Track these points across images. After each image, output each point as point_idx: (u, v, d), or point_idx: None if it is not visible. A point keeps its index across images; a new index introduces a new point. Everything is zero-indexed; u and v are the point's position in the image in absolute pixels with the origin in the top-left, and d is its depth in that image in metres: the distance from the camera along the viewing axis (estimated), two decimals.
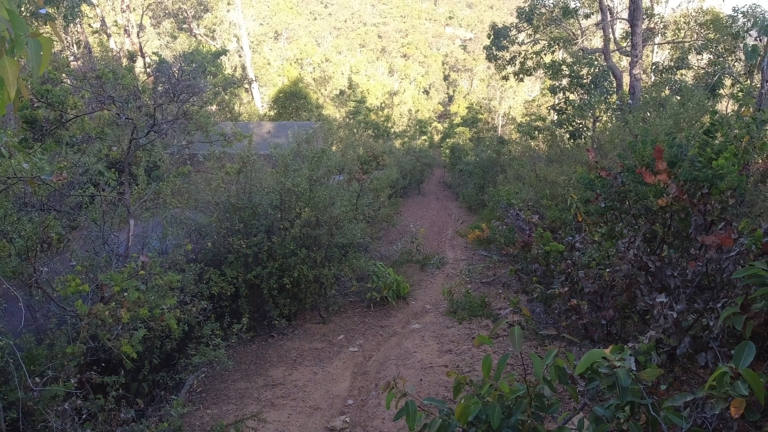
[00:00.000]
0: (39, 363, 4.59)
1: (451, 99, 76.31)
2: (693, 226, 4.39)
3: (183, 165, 8.81)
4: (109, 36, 33.58)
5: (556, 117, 18.77)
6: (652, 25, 22.85)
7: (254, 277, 8.47)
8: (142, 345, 5.05)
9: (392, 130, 43.77)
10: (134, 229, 6.54)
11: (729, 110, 18.02)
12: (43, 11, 2.21)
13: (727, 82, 19.61)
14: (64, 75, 7.39)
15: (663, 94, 18.61)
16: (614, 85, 19.30)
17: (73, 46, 29.76)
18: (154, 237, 7.21)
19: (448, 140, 42.94)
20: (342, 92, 42.16)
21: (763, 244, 3.93)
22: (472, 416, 2.56)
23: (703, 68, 21.68)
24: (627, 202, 5.18)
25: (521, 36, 23.65)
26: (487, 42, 24.65)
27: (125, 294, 4.35)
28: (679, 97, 13.84)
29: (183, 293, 6.39)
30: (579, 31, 22.82)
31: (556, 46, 22.06)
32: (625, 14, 20.19)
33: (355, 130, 31.44)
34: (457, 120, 50.65)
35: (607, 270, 4.84)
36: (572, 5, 22.47)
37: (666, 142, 4.88)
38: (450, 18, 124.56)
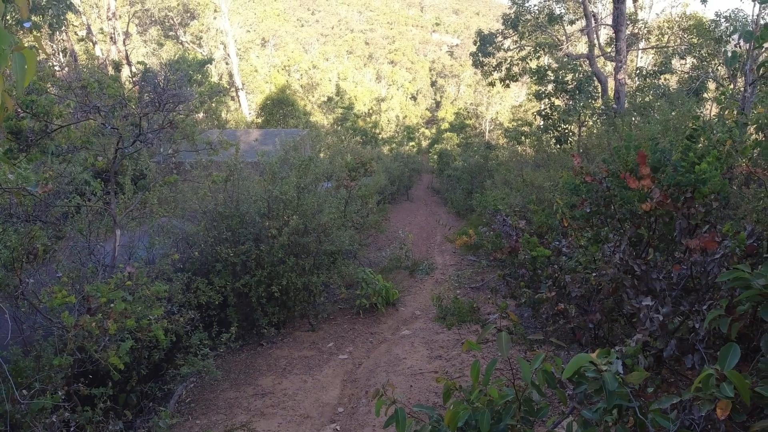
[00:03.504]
0: (26, 375, 4.54)
1: (438, 105, 76.66)
2: (677, 230, 4.43)
3: (169, 174, 8.78)
4: (94, 44, 33.42)
5: (542, 122, 18.89)
6: (636, 31, 23.12)
7: (242, 286, 8.44)
8: (130, 356, 5.02)
9: (380, 136, 43.92)
10: (120, 239, 6.50)
11: (713, 114, 18.28)
12: (28, 24, 2.21)
13: (711, 86, 19.85)
14: (49, 85, 7.34)
15: (647, 98, 18.82)
16: (599, 90, 19.47)
17: (58, 54, 29.58)
18: (141, 247, 7.16)
19: (435, 146, 43.13)
20: (330, 99, 42.22)
21: (747, 247, 3.98)
22: (462, 422, 2.58)
23: (686, 72, 21.96)
24: (612, 207, 5.22)
25: (507, 42, 23.81)
26: (474, 48, 24.80)
27: (112, 305, 4.32)
28: (661, 103, 14.00)
29: (170, 303, 6.36)
30: (564, 37, 23.01)
31: (542, 52, 22.23)
32: (609, 20, 20.38)
33: (343, 137, 31.47)
34: (445, 126, 50.91)
35: (594, 274, 4.88)
36: (557, 12, 22.68)
37: (650, 148, 4.94)
38: (437, 24, 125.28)
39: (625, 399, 2.57)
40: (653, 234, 4.84)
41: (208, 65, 32.46)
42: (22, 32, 17.37)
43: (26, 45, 1.98)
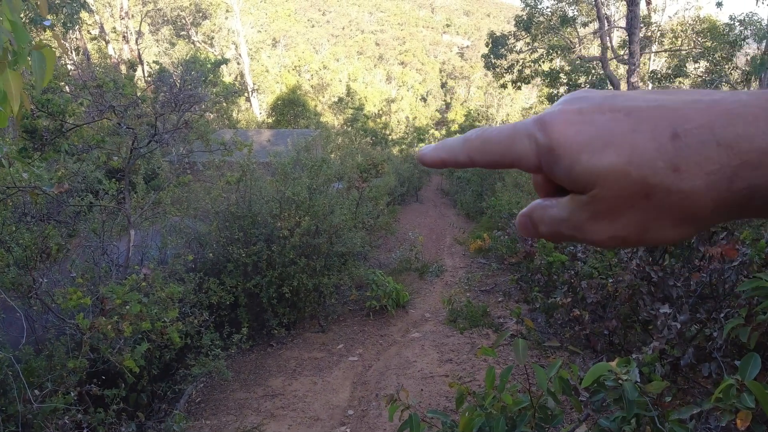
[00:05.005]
0: (38, 375, 4.54)
1: (448, 106, 76.59)
2: (696, 236, 4.38)
3: (182, 173, 8.79)
4: (107, 43, 33.64)
5: None
6: (650, 34, 22.96)
7: (253, 286, 8.43)
8: (144, 359, 5.00)
9: (390, 137, 43.88)
10: (134, 239, 6.51)
11: None
12: (47, 22, 2.20)
13: (725, 89, 19.67)
14: (63, 83, 7.36)
15: None
16: None
17: (72, 52, 29.78)
18: (153, 246, 7.16)
19: None
20: (340, 99, 42.27)
21: (766, 255, 3.92)
22: (476, 429, 2.55)
23: (700, 76, 21.78)
24: None
25: (519, 44, 23.74)
26: (485, 50, 24.75)
27: (127, 307, 4.30)
28: None
29: (182, 303, 6.35)
30: (577, 39, 22.91)
31: (554, 54, 22.12)
32: (622, 23, 20.28)
33: (353, 138, 31.46)
34: (455, 127, 50.81)
35: (611, 280, 4.83)
36: (570, 14, 22.57)
37: None
38: (447, 26, 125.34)
39: (644, 408, 2.54)
40: None
41: (222, 65, 32.60)
42: (35, 31, 17.46)
43: (43, 43, 1.97)
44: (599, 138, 0.40)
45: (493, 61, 24.03)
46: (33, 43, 1.95)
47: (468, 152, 0.47)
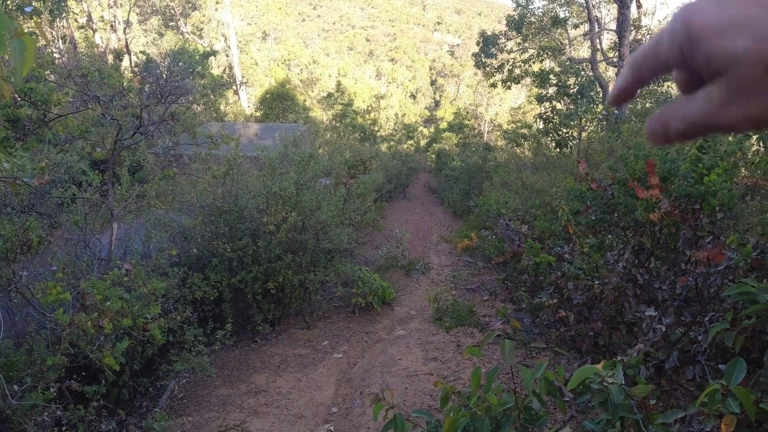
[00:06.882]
0: (18, 369, 4.44)
1: (437, 104, 76.70)
2: (682, 241, 4.39)
3: (168, 166, 8.67)
4: (95, 32, 33.20)
5: (542, 125, 18.83)
6: (639, 37, 23.07)
7: (238, 282, 8.36)
8: (125, 356, 4.91)
9: (379, 133, 43.82)
10: (117, 232, 6.40)
11: None
12: (29, 9, 2.13)
13: None
14: (48, 72, 7.23)
15: (647, 105, 18.78)
16: (600, 95, 19.43)
17: (58, 41, 29.35)
18: (137, 240, 7.06)
19: (434, 145, 42.99)
20: (330, 95, 42.09)
21: (753, 260, 3.94)
22: (461, 429, 2.53)
23: None
24: (616, 214, 5.16)
25: (510, 44, 23.76)
26: (475, 48, 24.77)
27: (108, 303, 4.21)
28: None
29: (165, 298, 6.26)
30: (567, 41, 22.97)
31: (545, 55, 22.16)
32: (613, 25, 20.37)
33: (342, 134, 31.39)
34: (444, 125, 50.81)
35: (597, 282, 4.83)
36: (561, 15, 22.62)
37: (659, 157, 4.88)
38: (438, 23, 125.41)
39: (629, 411, 2.54)
40: (656, 243, 4.79)
41: (210, 57, 32.32)
42: (23, 18, 17.18)
43: (26, 31, 1.90)
44: (733, 22, 0.43)
45: (483, 60, 24.04)
46: (14, 29, 1.88)
47: (633, 74, 0.53)
